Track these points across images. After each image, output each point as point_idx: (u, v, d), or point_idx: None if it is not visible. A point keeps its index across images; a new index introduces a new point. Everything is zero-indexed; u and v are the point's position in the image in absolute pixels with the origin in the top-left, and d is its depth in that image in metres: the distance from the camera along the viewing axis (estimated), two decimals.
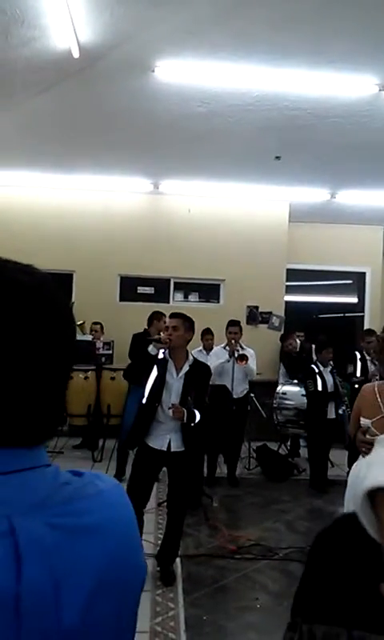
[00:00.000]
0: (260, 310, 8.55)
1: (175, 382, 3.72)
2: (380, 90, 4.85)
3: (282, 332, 8.44)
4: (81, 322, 7.94)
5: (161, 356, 3.76)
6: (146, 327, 6.09)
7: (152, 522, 4.57)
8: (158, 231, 8.32)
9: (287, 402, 6.68)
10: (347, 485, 2.60)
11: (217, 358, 6.09)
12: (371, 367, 6.66)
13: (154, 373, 3.73)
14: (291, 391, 6.66)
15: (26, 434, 0.64)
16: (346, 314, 10.13)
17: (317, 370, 6.15)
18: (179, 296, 8.65)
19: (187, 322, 3.76)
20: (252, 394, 6.55)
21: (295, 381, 6.79)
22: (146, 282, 8.53)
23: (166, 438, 3.69)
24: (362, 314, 9.80)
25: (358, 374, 6.70)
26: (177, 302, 8.46)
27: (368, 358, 6.75)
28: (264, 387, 7.18)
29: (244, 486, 6.05)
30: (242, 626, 3.24)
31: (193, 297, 8.69)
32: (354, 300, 9.97)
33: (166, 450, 3.68)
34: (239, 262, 8.39)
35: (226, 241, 8.38)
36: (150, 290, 8.55)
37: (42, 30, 4.12)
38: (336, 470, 6.28)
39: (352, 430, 3.07)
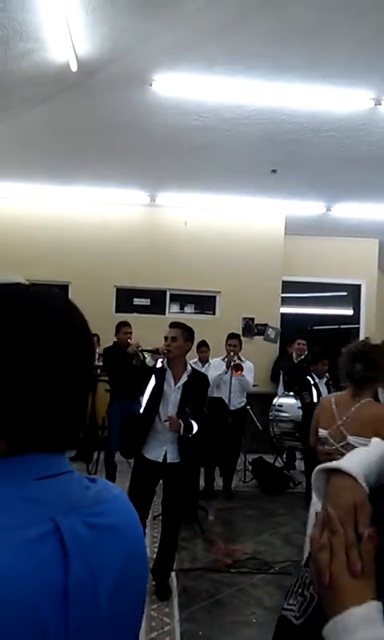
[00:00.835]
0: (256, 321, 8.55)
1: (173, 392, 3.70)
2: (375, 105, 4.90)
3: (278, 344, 8.45)
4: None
5: (159, 365, 3.75)
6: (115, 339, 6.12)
7: (147, 535, 4.52)
8: (155, 243, 8.33)
9: (283, 414, 6.65)
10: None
11: (215, 369, 6.12)
12: None
13: (152, 382, 3.72)
14: (287, 403, 6.64)
15: (60, 440, 0.71)
16: (341, 326, 10.14)
17: (312, 382, 6.14)
18: (175, 307, 8.65)
19: (187, 332, 3.75)
20: (248, 406, 6.54)
21: (291, 393, 6.77)
22: (142, 293, 8.53)
23: (162, 450, 3.67)
24: (357, 325, 9.82)
25: None
26: (173, 314, 8.45)
27: None
28: (260, 399, 7.17)
29: (240, 499, 6.00)
30: None
31: (189, 308, 8.69)
32: (350, 312, 9.99)
33: (161, 461, 3.66)
34: (235, 274, 8.41)
35: (222, 253, 8.40)
36: (146, 301, 8.55)
37: (41, 43, 4.15)
38: None
39: (312, 440, 3.13)
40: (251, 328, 8.51)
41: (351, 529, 0.72)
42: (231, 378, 6.01)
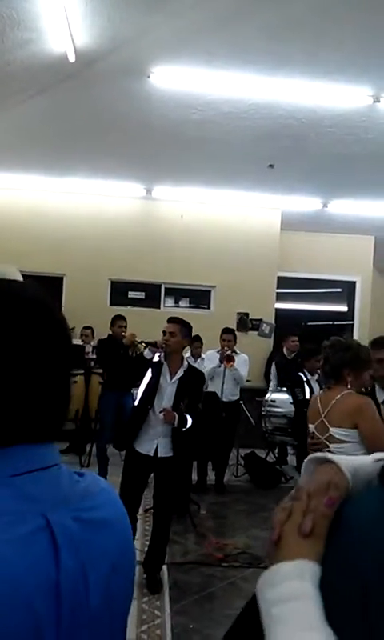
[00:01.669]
0: (250, 316, 8.56)
1: (168, 386, 3.72)
2: (374, 102, 4.89)
3: (272, 339, 8.47)
4: (71, 326, 7.90)
5: (156, 359, 3.77)
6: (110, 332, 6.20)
7: (139, 528, 4.53)
8: (150, 236, 8.31)
9: (276, 409, 6.66)
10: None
11: (210, 362, 6.15)
12: None
13: (148, 376, 3.73)
14: (280, 399, 6.65)
15: (45, 430, 0.71)
16: (336, 322, 10.17)
17: (305, 379, 6.14)
18: (170, 301, 8.64)
19: (185, 328, 3.78)
20: (241, 401, 6.55)
21: (284, 388, 6.79)
22: (136, 286, 8.52)
23: (153, 443, 3.68)
24: (351, 322, 9.85)
25: None
26: (167, 308, 8.45)
27: None
28: (253, 394, 7.19)
29: (232, 493, 6.03)
30: None
31: (183, 302, 8.69)
32: (344, 309, 10.01)
33: (152, 455, 3.67)
34: (230, 269, 8.40)
35: (218, 247, 8.39)
36: (140, 294, 8.54)
37: (38, 33, 4.12)
38: None
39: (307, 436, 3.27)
40: (246, 323, 8.52)
41: (317, 500, 0.72)
42: (225, 370, 6.02)
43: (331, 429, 2.92)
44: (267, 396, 6.88)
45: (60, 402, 0.74)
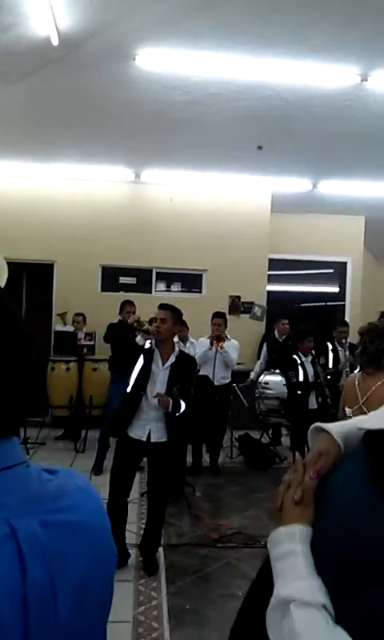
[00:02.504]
0: (242, 299, 8.57)
1: (160, 372, 3.75)
2: (362, 81, 4.85)
3: (264, 322, 8.50)
4: (63, 311, 7.90)
5: (147, 346, 3.79)
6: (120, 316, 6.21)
7: (135, 512, 4.59)
8: (140, 221, 8.27)
9: (269, 391, 6.72)
10: None
11: (201, 347, 6.17)
12: (342, 358, 6.78)
13: (140, 362, 3.76)
14: (273, 381, 6.70)
15: (6, 424, 0.67)
16: (328, 303, 10.22)
17: (299, 361, 6.18)
18: (161, 286, 8.62)
19: (176, 315, 3.80)
20: (234, 384, 6.59)
21: (277, 370, 6.83)
22: (127, 272, 8.49)
23: (146, 428, 3.71)
24: (342, 302, 9.90)
25: (330, 366, 6.81)
26: (159, 292, 8.44)
27: (340, 348, 6.87)
28: (246, 376, 7.24)
29: (226, 475, 6.10)
30: (225, 614, 3.26)
31: (175, 287, 8.68)
32: (336, 289, 10.04)
33: (145, 440, 3.71)
34: (221, 252, 8.39)
35: (209, 231, 8.36)
36: (131, 280, 8.51)
37: (21, 17, 4.04)
38: None
39: (340, 417, 3.18)
40: (238, 306, 8.53)
41: (309, 470, 0.90)
42: (216, 353, 6.05)
43: None
44: (260, 378, 6.93)
45: (20, 394, 0.70)
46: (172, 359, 3.78)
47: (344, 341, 6.89)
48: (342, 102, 5.28)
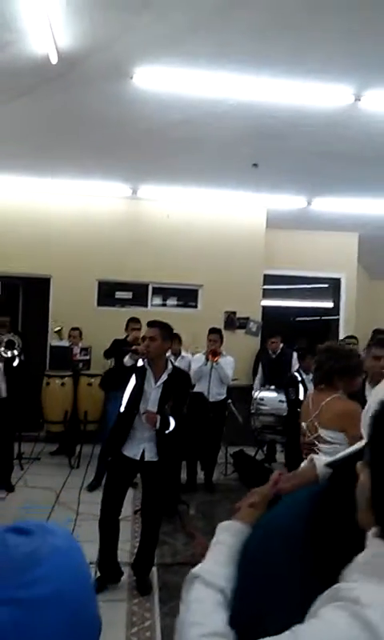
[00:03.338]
0: (237, 315, 8.58)
1: (153, 391, 3.71)
2: (356, 100, 4.91)
3: (260, 337, 8.51)
4: (59, 327, 7.90)
5: (140, 364, 3.75)
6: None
7: (128, 530, 4.55)
8: (137, 236, 8.29)
9: (264, 407, 6.70)
10: None
11: (197, 363, 6.18)
12: None
13: (133, 381, 3.72)
14: (268, 397, 6.68)
15: None
16: (323, 318, 10.28)
17: (299, 378, 6.14)
18: (157, 301, 8.64)
19: (165, 332, 3.74)
20: (229, 400, 6.57)
21: (273, 387, 6.82)
22: (124, 286, 8.50)
23: (140, 448, 3.68)
24: (337, 317, 9.95)
25: None
26: (155, 307, 8.45)
27: None
28: (241, 392, 7.21)
29: (220, 492, 6.05)
30: None
31: (171, 302, 8.69)
32: (330, 304, 10.09)
33: (139, 459, 3.68)
34: (217, 268, 8.42)
35: (205, 246, 8.40)
36: (128, 294, 8.52)
37: (20, 34, 4.08)
38: None
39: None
40: (233, 322, 8.54)
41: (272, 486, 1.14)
42: (211, 369, 6.04)
43: (320, 430, 2.99)
44: (256, 394, 6.91)
45: None
46: (164, 377, 3.74)
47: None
48: (337, 122, 5.34)
